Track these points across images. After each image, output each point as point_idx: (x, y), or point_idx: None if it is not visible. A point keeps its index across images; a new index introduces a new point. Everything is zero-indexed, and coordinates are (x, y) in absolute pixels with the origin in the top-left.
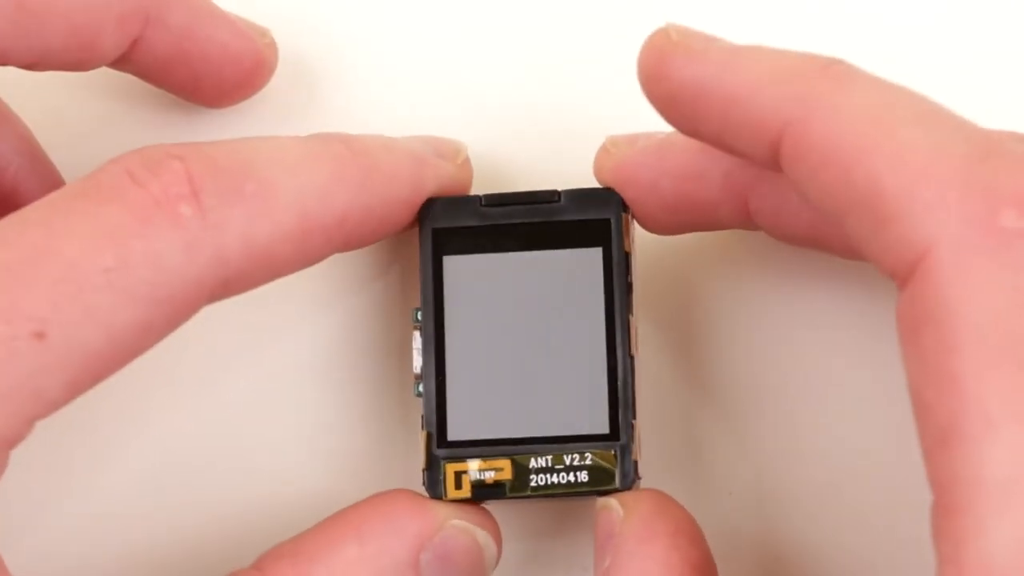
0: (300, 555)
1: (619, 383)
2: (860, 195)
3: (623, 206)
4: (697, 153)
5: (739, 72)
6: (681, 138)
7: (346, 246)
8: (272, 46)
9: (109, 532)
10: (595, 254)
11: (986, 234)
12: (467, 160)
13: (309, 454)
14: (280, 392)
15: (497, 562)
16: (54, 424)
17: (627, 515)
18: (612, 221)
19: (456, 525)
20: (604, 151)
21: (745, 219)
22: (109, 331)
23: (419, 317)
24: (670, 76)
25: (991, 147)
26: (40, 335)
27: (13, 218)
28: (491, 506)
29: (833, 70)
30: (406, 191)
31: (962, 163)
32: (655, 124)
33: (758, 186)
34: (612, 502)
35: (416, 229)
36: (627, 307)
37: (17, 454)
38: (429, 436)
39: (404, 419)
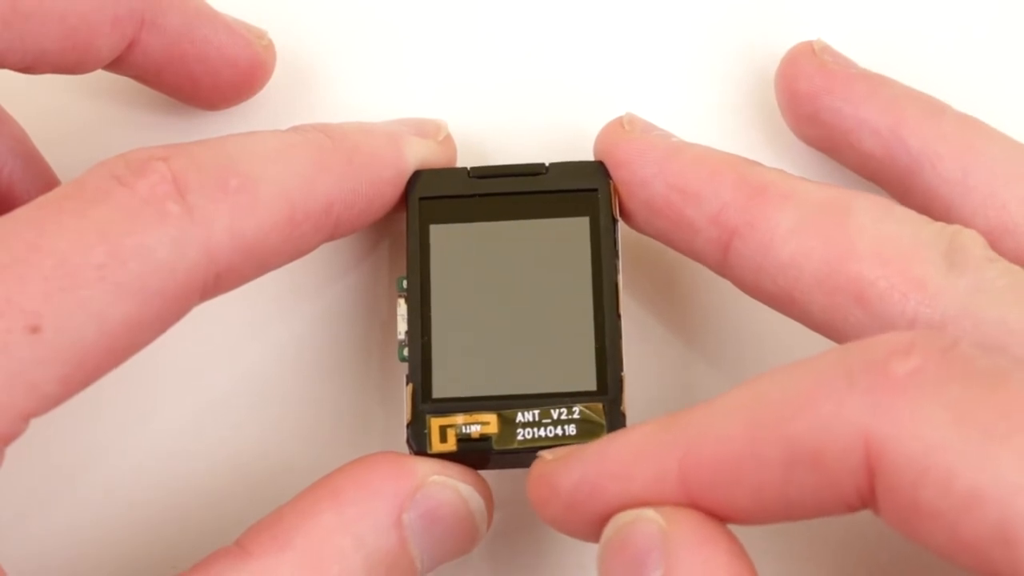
0: (279, 527)
1: (607, 342)
2: None
3: (608, 176)
4: (705, 176)
5: None
6: (695, 151)
7: (334, 234)
8: (269, 48)
9: (101, 528)
10: (582, 223)
11: None
12: (449, 137)
13: (292, 434)
14: (264, 376)
15: (490, 522)
16: (50, 424)
17: (673, 524)
18: (599, 190)
19: (437, 480)
20: (618, 124)
21: (720, 258)
22: (102, 325)
23: (404, 286)
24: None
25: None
26: (34, 328)
27: (3, 219)
28: (486, 475)
29: None
30: (389, 171)
31: None
32: (645, 107)
33: (750, 233)
34: (648, 512)
35: (402, 214)
36: (614, 271)
37: (12, 452)
38: (414, 391)
39: (387, 396)
